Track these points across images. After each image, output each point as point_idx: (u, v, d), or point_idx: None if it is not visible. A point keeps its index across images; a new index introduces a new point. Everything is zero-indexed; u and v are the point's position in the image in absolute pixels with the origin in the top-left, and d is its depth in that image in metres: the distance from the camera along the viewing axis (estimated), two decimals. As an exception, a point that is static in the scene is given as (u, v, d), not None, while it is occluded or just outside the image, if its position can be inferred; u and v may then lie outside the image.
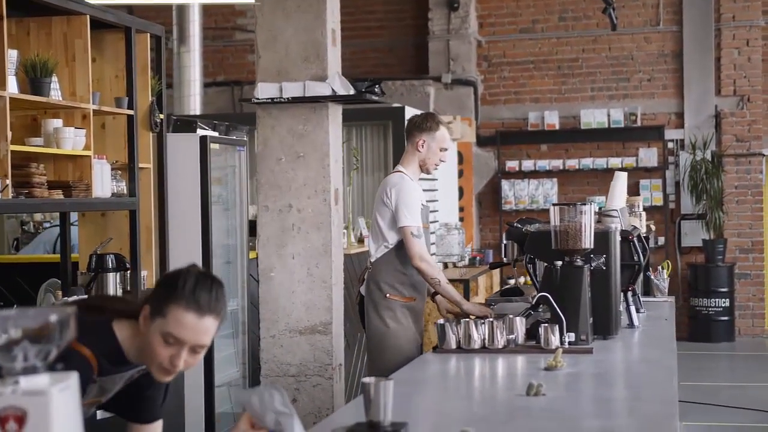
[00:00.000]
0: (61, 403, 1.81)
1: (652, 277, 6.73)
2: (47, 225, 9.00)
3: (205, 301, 2.70)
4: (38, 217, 9.06)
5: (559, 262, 4.63)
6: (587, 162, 13.42)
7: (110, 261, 5.69)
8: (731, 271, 13.00)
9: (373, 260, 5.55)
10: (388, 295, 5.46)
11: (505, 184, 13.61)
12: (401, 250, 5.43)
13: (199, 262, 6.58)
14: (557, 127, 13.53)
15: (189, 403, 6.36)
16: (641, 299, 5.97)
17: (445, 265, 10.88)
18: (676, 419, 3.12)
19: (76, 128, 5.32)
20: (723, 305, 12.88)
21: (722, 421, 8.58)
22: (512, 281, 12.29)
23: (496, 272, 11.99)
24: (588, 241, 4.62)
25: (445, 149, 5.63)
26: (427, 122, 5.59)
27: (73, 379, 1.86)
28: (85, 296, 5.02)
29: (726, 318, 12.91)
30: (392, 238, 5.46)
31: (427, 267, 5.35)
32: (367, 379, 2.84)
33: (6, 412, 1.78)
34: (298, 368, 5.93)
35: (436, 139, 5.56)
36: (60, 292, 5.68)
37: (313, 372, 5.94)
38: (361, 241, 8.80)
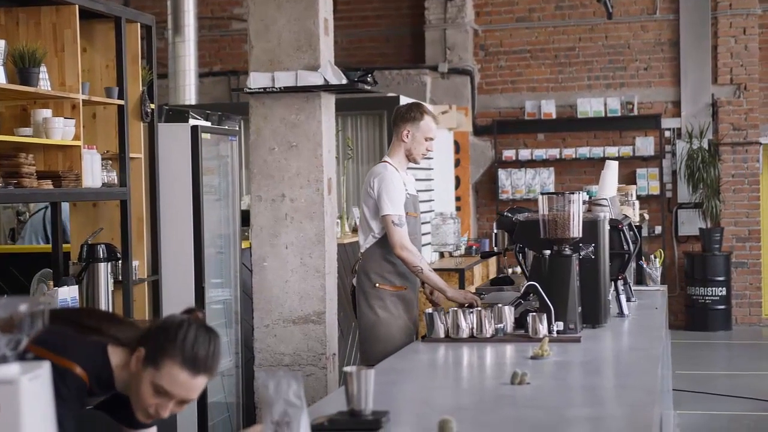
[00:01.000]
0: (31, 392, 1.81)
1: (645, 266, 6.73)
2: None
3: (201, 361, 2.70)
4: (33, 207, 9.06)
5: (548, 251, 4.63)
6: (584, 151, 13.42)
7: (101, 251, 5.69)
8: (728, 259, 13.00)
9: (362, 251, 5.58)
10: (377, 284, 5.49)
11: (502, 174, 13.61)
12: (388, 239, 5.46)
13: (192, 252, 6.59)
14: (554, 116, 13.52)
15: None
16: (633, 288, 5.96)
17: (441, 255, 10.90)
18: (656, 407, 3.12)
19: (65, 118, 5.31)
20: (720, 294, 12.88)
21: (718, 409, 8.59)
22: (509, 270, 12.31)
23: (493, 262, 12.00)
24: (576, 230, 4.62)
25: (431, 138, 5.63)
26: (411, 112, 5.61)
27: (44, 368, 1.86)
28: (81, 309, 4.91)
29: (723, 307, 12.92)
30: (378, 228, 5.48)
31: (408, 255, 5.36)
32: (348, 369, 2.85)
33: (-25, 402, 1.78)
34: (291, 358, 5.94)
35: (421, 129, 5.58)
36: (52, 282, 5.68)
37: (306, 361, 5.95)
38: (355, 230, 8.79)
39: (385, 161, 5.62)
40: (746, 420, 8.27)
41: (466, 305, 5.15)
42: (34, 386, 1.82)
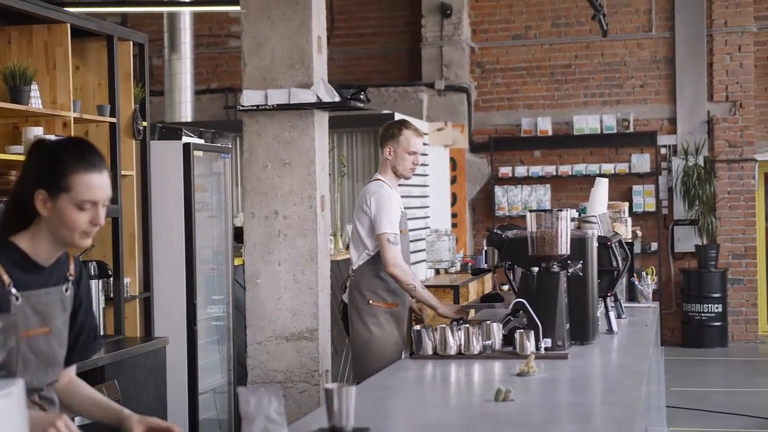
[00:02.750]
0: (3, 410, 1.82)
1: (637, 283, 6.74)
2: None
3: (97, 159, 2.84)
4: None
5: (536, 268, 4.64)
6: (580, 168, 13.44)
7: (93, 268, 5.71)
8: (724, 276, 13.01)
9: (354, 267, 5.62)
10: (371, 301, 5.52)
11: (498, 191, 13.62)
12: None
13: (183, 269, 6.60)
14: (550, 133, 13.55)
15: (172, 408, 6.37)
16: (624, 305, 5.97)
17: (437, 272, 10.90)
18: (636, 423, 3.13)
19: (56, 136, 5.33)
20: (716, 311, 12.88)
21: (714, 426, 8.58)
22: (506, 287, 12.31)
23: (488, 278, 12.01)
24: (564, 247, 4.63)
25: (414, 152, 5.69)
26: (389, 130, 5.73)
27: (17, 386, 1.87)
28: None
29: (719, 323, 12.92)
30: (372, 246, 5.52)
31: (401, 273, 5.42)
32: (329, 385, 2.86)
33: (-53, 419, 1.79)
34: (284, 375, 5.95)
35: (401, 144, 5.66)
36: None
37: (299, 378, 5.96)
38: (348, 247, 8.81)
39: (378, 179, 5.69)
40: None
41: (459, 320, 5.18)
42: (7, 403, 1.84)
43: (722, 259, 13.14)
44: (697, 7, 13.25)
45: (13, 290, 2.79)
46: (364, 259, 5.58)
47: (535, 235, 4.64)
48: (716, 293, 12.89)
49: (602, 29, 11.16)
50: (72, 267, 3.00)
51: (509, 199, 13.60)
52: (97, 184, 2.81)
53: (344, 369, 7.87)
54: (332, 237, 8.13)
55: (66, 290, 2.95)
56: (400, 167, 5.67)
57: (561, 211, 4.66)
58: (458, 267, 11.17)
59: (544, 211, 4.69)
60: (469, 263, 11.48)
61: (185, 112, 10.69)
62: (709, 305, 12.87)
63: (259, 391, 2.69)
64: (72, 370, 3.10)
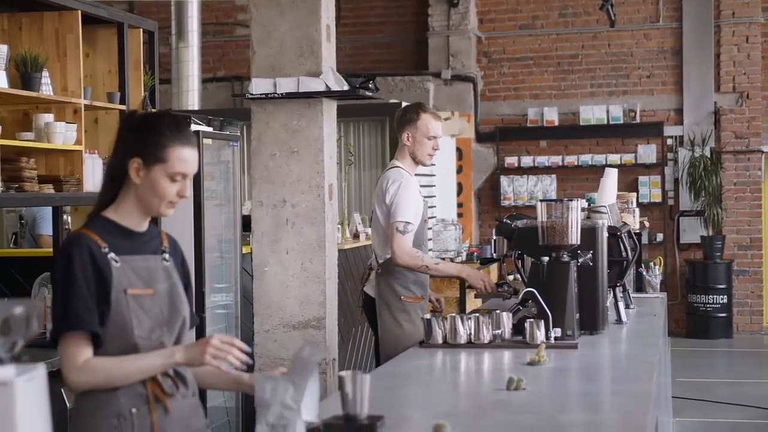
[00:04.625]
0: (26, 394, 1.83)
1: (644, 273, 6.74)
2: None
3: (191, 134, 3.01)
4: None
5: (546, 258, 4.64)
6: (586, 158, 13.44)
7: (102, 255, 5.70)
8: (729, 267, 13.01)
9: (381, 261, 5.46)
10: (402, 297, 5.41)
11: (504, 180, 13.62)
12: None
13: (192, 257, 6.60)
14: (556, 124, 13.54)
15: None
16: (632, 296, 5.97)
17: (443, 261, 10.89)
18: (649, 413, 3.14)
19: (67, 123, 5.34)
20: (721, 302, 12.89)
21: (718, 417, 8.59)
22: (511, 277, 12.31)
23: (495, 268, 12.01)
24: (575, 237, 4.63)
25: (433, 137, 5.54)
26: (407, 114, 5.57)
27: (39, 370, 1.88)
28: None
29: (724, 314, 12.92)
30: None
31: (409, 260, 5.31)
32: (343, 373, 2.86)
33: (-30, 403, 1.80)
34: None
35: (420, 129, 5.51)
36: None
37: (306, 367, 5.95)
38: (356, 236, 8.82)
39: (397, 166, 5.55)
40: (746, 428, 8.27)
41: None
42: (30, 388, 1.84)
43: (728, 251, 13.14)
44: (704, -3, 13.24)
45: (111, 254, 2.93)
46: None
47: (546, 225, 4.64)
48: (721, 284, 12.90)
49: (610, 19, 11.15)
50: (165, 240, 3.13)
51: (515, 189, 13.60)
52: (190, 158, 2.97)
53: (350, 358, 7.89)
54: (339, 226, 8.13)
55: (165, 260, 3.08)
56: (419, 153, 5.53)
57: (571, 200, 4.65)
58: (464, 257, 11.16)
59: (555, 201, 4.69)
60: (475, 253, 11.47)
61: (192, 100, 10.68)
62: (715, 296, 12.87)
63: (275, 378, 2.70)
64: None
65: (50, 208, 7.69)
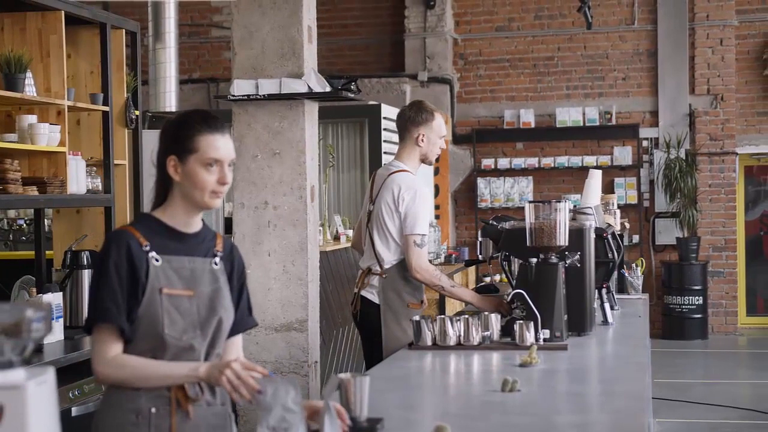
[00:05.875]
0: (37, 398, 1.81)
1: (627, 274, 6.76)
2: (21, 222, 8.96)
3: (219, 123, 3.06)
4: (12, 213, 9.02)
5: (534, 260, 4.64)
6: (562, 160, 13.47)
7: (85, 258, 5.66)
8: (704, 268, 13.09)
9: (386, 266, 5.28)
10: (409, 304, 5.27)
11: (481, 182, 13.64)
12: None
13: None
14: (533, 126, 13.58)
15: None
16: (615, 297, 5.99)
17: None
18: (647, 414, 3.14)
19: (50, 124, 5.29)
20: (696, 303, 12.96)
21: (695, 417, 8.64)
22: (487, 279, 12.33)
23: (472, 270, 12.04)
24: (563, 239, 4.64)
25: (443, 136, 5.40)
26: (422, 114, 5.33)
27: (49, 374, 1.86)
28: None
29: (699, 315, 13.00)
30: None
31: (427, 276, 5.13)
32: (343, 375, 2.86)
33: (-18, 407, 1.78)
34: (273, 366, 5.93)
35: (434, 130, 5.34)
36: (34, 289, 5.64)
37: (288, 369, 5.95)
38: (336, 238, 8.80)
39: (406, 171, 5.34)
40: (727, 428, 8.31)
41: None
42: (40, 391, 1.82)
43: (703, 252, 13.22)
44: (679, 0, 13.30)
45: (152, 253, 2.97)
46: (398, 258, 5.25)
47: (534, 226, 4.65)
48: (697, 285, 12.97)
49: (587, 21, 11.18)
50: (220, 244, 3.14)
51: (492, 191, 13.62)
52: (221, 144, 3.01)
53: (332, 360, 7.87)
54: (320, 228, 8.11)
55: (215, 264, 3.09)
56: (431, 153, 5.37)
57: (559, 202, 4.66)
58: (442, 259, 11.18)
59: (543, 202, 4.69)
60: (453, 255, 11.49)
61: (170, 102, 10.62)
62: (690, 297, 12.94)
63: (276, 381, 2.69)
64: (237, 346, 3.23)
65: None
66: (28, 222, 8.96)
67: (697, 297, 12.95)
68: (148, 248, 2.97)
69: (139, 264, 2.94)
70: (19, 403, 1.78)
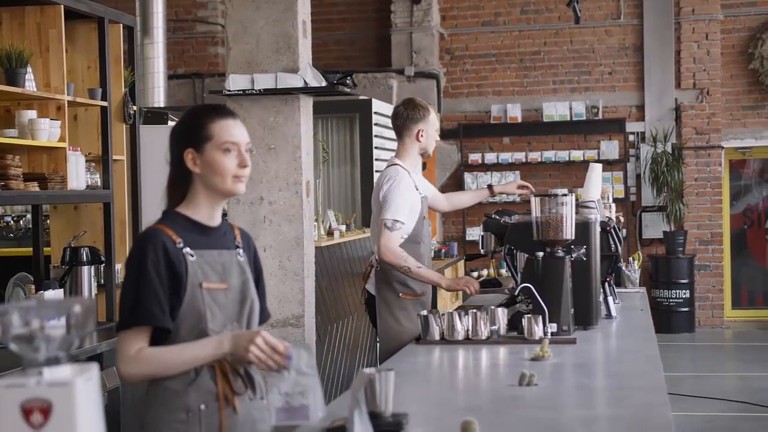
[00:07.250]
0: (85, 394, 1.79)
1: (624, 268, 6.77)
2: (8, 219, 8.89)
3: (229, 110, 3.08)
4: (17, 209, 8.94)
5: (541, 253, 4.64)
6: (549, 155, 13.48)
7: (85, 254, 5.62)
8: (691, 262, 13.13)
9: (379, 258, 5.37)
10: (401, 294, 5.36)
11: (468, 177, 13.64)
12: (409, 247, 5.32)
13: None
14: (519, 120, 13.58)
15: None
16: (615, 290, 5.99)
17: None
18: (668, 407, 3.14)
19: (51, 119, 5.25)
20: (683, 296, 13.01)
21: (683, 410, 8.65)
22: (475, 273, 12.34)
23: (461, 265, 12.04)
24: (569, 232, 4.63)
25: (437, 129, 5.60)
26: (419, 111, 5.49)
27: (95, 370, 1.83)
28: None
29: (686, 309, 13.04)
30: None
31: (392, 258, 5.22)
32: (368, 370, 2.84)
33: (31, 404, 1.76)
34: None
35: (431, 124, 5.51)
36: (32, 286, 5.60)
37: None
38: (330, 233, 8.78)
39: (396, 164, 5.46)
40: (721, 421, 8.34)
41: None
42: (88, 387, 1.80)
43: (689, 246, 13.26)
44: (665, -6, 13.35)
45: (186, 249, 2.96)
46: None
47: (540, 220, 4.64)
48: (683, 279, 13.01)
49: (576, 15, 11.19)
50: (239, 235, 3.14)
51: (479, 186, 13.60)
52: (234, 127, 3.01)
53: (328, 355, 7.84)
54: (315, 223, 8.08)
55: (239, 255, 3.08)
56: (429, 147, 5.52)
57: (566, 195, 4.65)
58: (432, 254, 11.16)
59: (549, 195, 4.68)
60: (443, 249, 11.49)
61: (158, 97, 10.55)
62: (677, 291, 12.99)
63: (289, 347, 2.71)
64: None
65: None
66: (15, 219, 8.90)
67: (684, 290, 13.00)
68: (181, 245, 2.95)
69: (177, 261, 2.93)
70: (68, 400, 1.76)
